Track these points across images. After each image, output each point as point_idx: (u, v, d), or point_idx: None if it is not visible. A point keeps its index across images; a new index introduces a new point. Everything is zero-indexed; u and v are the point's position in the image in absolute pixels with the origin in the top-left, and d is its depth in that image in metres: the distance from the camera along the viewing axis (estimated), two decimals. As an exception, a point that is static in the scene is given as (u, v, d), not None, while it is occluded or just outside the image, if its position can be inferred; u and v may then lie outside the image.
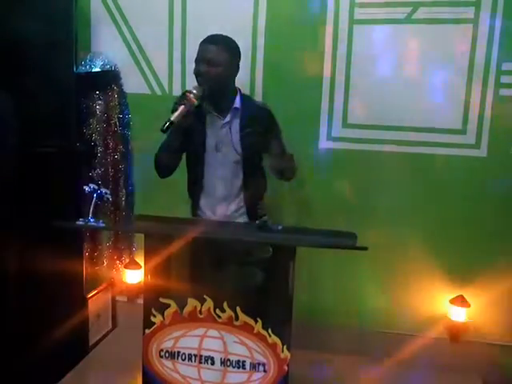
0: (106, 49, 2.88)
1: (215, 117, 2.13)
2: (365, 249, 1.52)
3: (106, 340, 3.01)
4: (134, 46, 2.89)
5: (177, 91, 2.87)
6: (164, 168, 2.18)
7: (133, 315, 2.99)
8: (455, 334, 2.68)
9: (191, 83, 2.77)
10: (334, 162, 2.78)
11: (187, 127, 2.04)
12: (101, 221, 1.67)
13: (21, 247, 2.40)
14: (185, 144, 2.12)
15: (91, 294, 2.89)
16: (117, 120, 2.88)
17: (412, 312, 2.76)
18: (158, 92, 2.91)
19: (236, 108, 2.12)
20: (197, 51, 2.10)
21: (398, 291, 2.75)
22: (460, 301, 2.64)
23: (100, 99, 2.84)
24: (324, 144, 2.78)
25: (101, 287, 2.99)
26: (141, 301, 2.99)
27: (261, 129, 2.10)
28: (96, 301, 2.93)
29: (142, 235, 1.83)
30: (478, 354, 2.67)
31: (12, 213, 2.33)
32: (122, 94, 2.90)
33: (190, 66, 2.76)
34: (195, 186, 2.20)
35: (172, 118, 1.92)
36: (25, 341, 2.41)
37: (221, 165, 2.14)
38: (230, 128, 2.11)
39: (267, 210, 2.11)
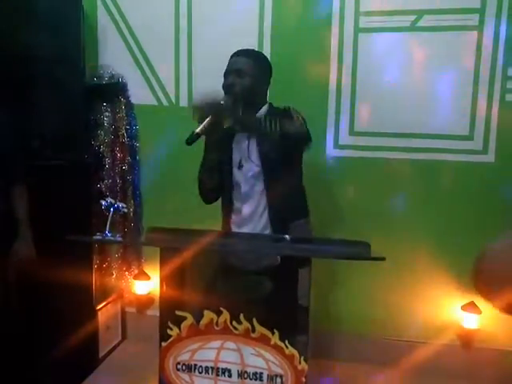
0: (113, 61, 2.90)
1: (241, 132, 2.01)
2: (383, 259, 1.52)
3: (116, 351, 3.01)
4: (140, 58, 2.91)
5: (184, 102, 2.89)
6: (208, 190, 2.08)
7: (142, 326, 3.02)
8: (467, 341, 2.68)
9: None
10: (341, 169, 2.79)
11: (220, 141, 1.97)
12: (118, 235, 1.67)
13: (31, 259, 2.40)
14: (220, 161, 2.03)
15: (101, 306, 2.89)
16: (124, 131, 2.90)
17: (423, 319, 2.76)
18: (165, 103, 2.93)
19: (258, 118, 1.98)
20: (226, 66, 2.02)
21: (409, 298, 2.75)
22: (471, 307, 2.64)
23: (107, 111, 2.86)
24: (331, 152, 2.79)
25: (110, 298, 2.99)
26: (150, 312, 3.02)
27: (278, 133, 1.87)
28: (105, 312, 2.93)
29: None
30: (489, 361, 2.67)
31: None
32: (130, 106, 2.92)
33: (197, 77, 2.85)
34: (225, 208, 2.09)
35: (197, 130, 1.80)
36: (35, 352, 2.40)
37: (243, 181, 2.01)
38: (249, 140, 1.98)
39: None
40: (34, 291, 2.43)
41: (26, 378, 2.37)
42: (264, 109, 2.04)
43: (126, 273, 3.01)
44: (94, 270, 2.89)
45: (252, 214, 2.01)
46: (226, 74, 2.00)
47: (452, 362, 2.68)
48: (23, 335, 2.38)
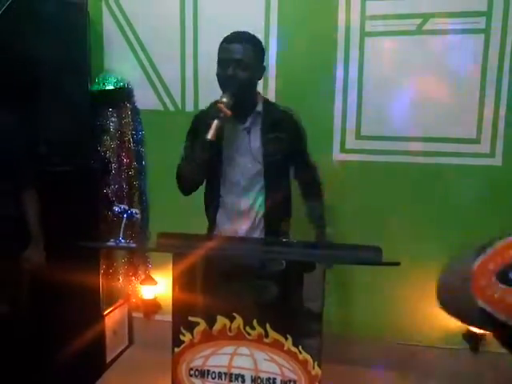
0: (119, 66, 2.90)
1: (233, 123, 1.92)
2: (397, 264, 1.51)
3: (123, 356, 3.00)
4: (146, 63, 2.90)
5: (189, 107, 2.89)
6: (192, 182, 2.00)
7: (149, 331, 3.01)
8: (476, 345, 2.67)
9: (204, 98, 2.84)
10: (348, 174, 2.78)
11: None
12: (131, 241, 1.66)
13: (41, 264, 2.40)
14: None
15: (108, 311, 2.89)
16: (130, 137, 2.89)
17: (432, 323, 2.74)
18: (171, 108, 2.93)
19: (258, 112, 1.93)
20: (220, 50, 1.88)
21: (418, 302, 2.73)
22: (480, 310, 2.62)
23: (113, 116, 2.85)
24: (337, 156, 2.79)
25: (117, 304, 2.99)
26: (157, 317, 3.02)
27: (284, 135, 1.93)
28: (112, 317, 2.92)
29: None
30: (497, 365, 2.65)
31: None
32: (136, 111, 2.91)
33: (203, 82, 2.85)
34: (212, 202, 2.03)
35: (209, 137, 1.76)
36: (42, 357, 2.40)
37: (241, 177, 1.95)
38: (248, 134, 1.92)
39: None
40: (42, 296, 2.43)
41: (33, 383, 2.36)
42: (260, 103, 1.96)
43: (133, 278, 3.00)
44: (100, 275, 2.88)
45: (249, 209, 1.98)
46: (224, 63, 1.85)
47: (460, 366, 2.67)
48: (31, 339, 2.38)
